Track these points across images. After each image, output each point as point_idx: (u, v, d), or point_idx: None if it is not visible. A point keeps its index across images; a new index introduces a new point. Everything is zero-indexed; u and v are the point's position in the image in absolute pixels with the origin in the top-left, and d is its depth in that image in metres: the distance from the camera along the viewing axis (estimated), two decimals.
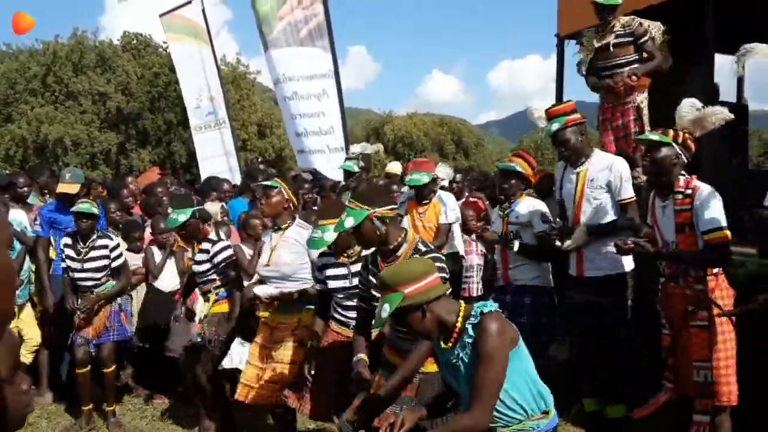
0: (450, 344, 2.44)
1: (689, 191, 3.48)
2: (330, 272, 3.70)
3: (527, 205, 4.63)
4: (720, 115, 3.54)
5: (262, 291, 4.04)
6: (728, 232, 3.38)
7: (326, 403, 3.69)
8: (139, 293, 5.80)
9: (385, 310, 2.38)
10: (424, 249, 3.04)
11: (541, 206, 4.64)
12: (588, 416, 4.28)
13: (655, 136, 3.54)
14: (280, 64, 9.54)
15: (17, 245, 5.33)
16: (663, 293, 3.70)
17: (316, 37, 9.09)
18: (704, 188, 3.46)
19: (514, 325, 2.44)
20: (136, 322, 5.63)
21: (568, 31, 6.71)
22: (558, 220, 4.37)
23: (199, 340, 4.60)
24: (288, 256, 4.02)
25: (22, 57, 32.50)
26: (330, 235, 3.44)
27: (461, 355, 2.40)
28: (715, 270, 3.47)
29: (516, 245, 4.43)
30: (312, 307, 3.99)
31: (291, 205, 4.16)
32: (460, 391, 2.51)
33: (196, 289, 4.82)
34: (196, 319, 4.72)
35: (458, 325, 2.40)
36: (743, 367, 3.45)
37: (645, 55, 5.04)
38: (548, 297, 4.53)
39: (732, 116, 3.58)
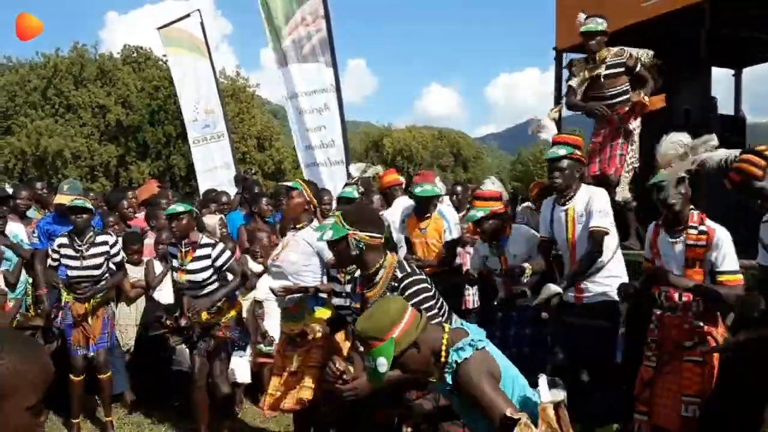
0: (438, 378, 2.39)
1: (704, 228, 3.51)
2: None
3: (519, 240, 4.57)
4: (711, 142, 3.55)
5: (278, 284, 4.05)
6: (742, 277, 3.45)
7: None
8: (139, 306, 5.79)
9: (382, 364, 2.26)
10: (401, 275, 3.03)
11: (531, 236, 4.60)
12: None
13: (668, 175, 3.53)
14: (290, 79, 9.68)
15: (14, 257, 5.33)
16: (659, 323, 3.70)
17: (318, 52, 9.20)
18: (720, 230, 3.51)
19: (496, 360, 2.37)
20: (135, 333, 5.62)
21: (566, 45, 6.76)
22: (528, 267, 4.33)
23: (210, 343, 4.62)
24: (294, 255, 4.04)
25: (22, 70, 32.65)
26: (329, 235, 3.45)
27: (450, 388, 2.36)
28: None
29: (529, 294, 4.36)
30: (318, 309, 4.00)
31: (312, 207, 4.17)
32: (466, 418, 2.49)
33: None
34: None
35: (442, 357, 2.34)
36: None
37: (640, 80, 5.15)
38: (534, 309, 4.46)
39: (716, 143, 3.56)
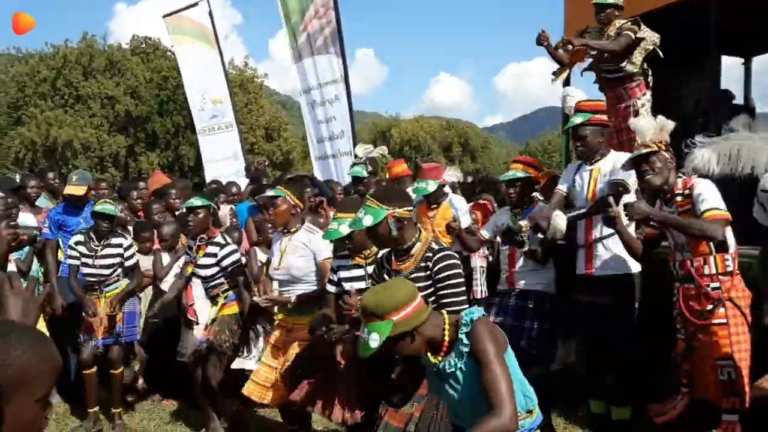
0: (440, 356, 2.39)
1: (688, 191, 3.54)
2: (344, 274, 3.75)
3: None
4: (669, 126, 3.64)
5: (259, 299, 4.19)
6: (727, 213, 3.42)
7: (341, 402, 3.72)
8: (147, 295, 5.83)
9: (374, 339, 2.27)
10: (436, 247, 3.02)
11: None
12: (594, 418, 4.28)
13: (644, 150, 3.59)
14: (305, 73, 9.74)
15: (25, 247, 5.37)
16: (678, 296, 3.70)
17: (329, 43, 9.24)
18: (698, 181, 3.53)
19: (502, 330, 2.41)
20: (142, 323, 5.67)
21: (575, 34, 6.71)
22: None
23: (205, 345, 4.63)
24: (298, 260, 4.08)
25: (32, 61, 32.77)
26: (345, 228, 3.46)
27: (459, 364, 2.35)
28: (730, 269, 3.49)
29: (527, 247, 4.40)
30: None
31: (298, 210, 4.19)
32: (454, 401, 2.48)
33: (194, 296, 4.85)
34: (202, 324, 4.75)
35: (446, 337, 2.36)
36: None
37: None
38: (550, 304, 4.50)
39: (673, 125, 3.65)
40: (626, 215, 3.68)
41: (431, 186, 5.29)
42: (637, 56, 4.97)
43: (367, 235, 3.15)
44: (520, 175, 4.61)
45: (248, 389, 4.18)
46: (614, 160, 4.11)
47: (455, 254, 3.08)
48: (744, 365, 3.42)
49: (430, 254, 2.99)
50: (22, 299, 1.57)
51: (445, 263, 2.95)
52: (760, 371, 3.40)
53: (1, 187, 5.52)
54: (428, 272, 2.98)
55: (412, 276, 2.99)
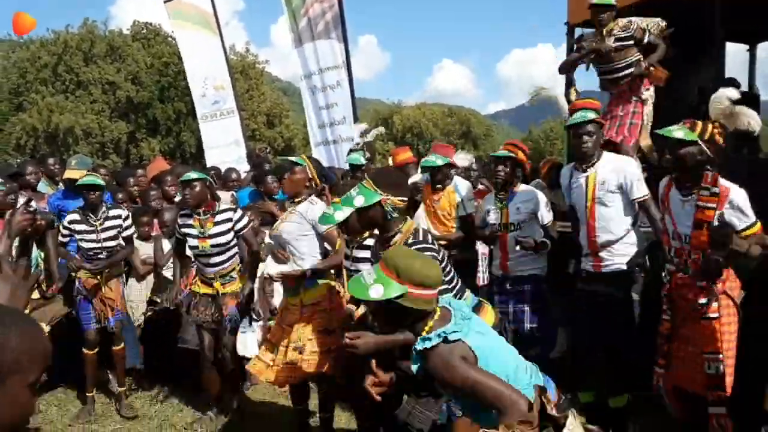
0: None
1: (716, 189, 3.39)
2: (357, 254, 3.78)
3: (527, 195, 4.63)
4: (753, 121, 3.45)
5: (275, 270, 4.13)
6: (760, 224, 3.39)
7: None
8: (149, 283, 5.83)
9: (376, 291, 2.20)
10: (411, 240, 2.99)
11: (541, 195, 4.66)
12: (585, 407, 4.29)
13: (679, 133, 3.40)
14: (305, 58, 9.70)
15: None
16: (671, 282, 3.68)
17: (331, 28, 9.19)
18: (734, 189, 3.40)
19: (468, 345, 2.21)
20: (145, 309, 5.68)
21: (579, 20, 6.67)
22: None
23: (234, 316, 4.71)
24: (290, 225, 4.13)
25: (33, 47, 32.66)
26: (340, 214, 3.46)
27: (417, 368, 2.30)
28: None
29: (521, 245, 4.46)
30: (318, 282, 4.06)
31: (313, 184, 4.23)
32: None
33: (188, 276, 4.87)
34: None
35: (424, 331, 2.26)
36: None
37: (652, 48, 5.07)
38: (546, 286, 4.60)
39: (759, 127, 3.49)
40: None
41: (439, 160, 5.29)
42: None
43: (355, 214, 3.12)
44: (511, 154, 4.62)
45: (253, 365, 4.22)
46: (616, 166, 4.06)
47: (431, 246, 3.01)
48: (730, 355, 3.42)
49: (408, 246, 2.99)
50: (11, 284, 1.56)
51: None
52: (746, 363, 3.42)
53: None
54: None
55: None
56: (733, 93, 3.46)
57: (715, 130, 3.40)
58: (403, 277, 2.21)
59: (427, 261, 2.35)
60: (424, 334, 2.23)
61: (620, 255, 4.06)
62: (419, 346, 2.21)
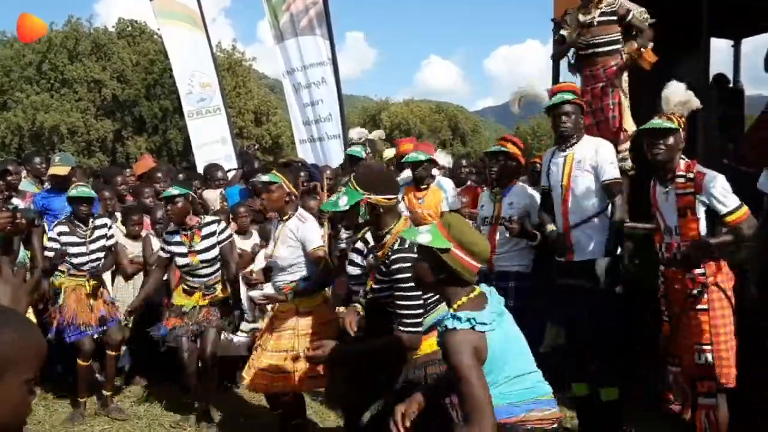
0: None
1: (691, 175, 3.50)
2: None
3: (522, 192, 4.65)
4: (696, 102, 3.65)
5: (257, 294, 4.21)
6: (746, 207, 3.41)
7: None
8: (136, 282, 5.80)
9: (425, 237, 2.35)
10: (396, 247, 2.96)
11: (536, 194, 4.66)
12: (578, 400, 4.31)
13: (667, 124, 3.53)
14: (287, 54, 9.62)
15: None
16: (664, 279, 3.70)
17: (315, 25, 9.12)
18: (709, 173, 3.48)
19: (486, 341, 2.26)
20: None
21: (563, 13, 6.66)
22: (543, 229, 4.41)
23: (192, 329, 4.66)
24: (285, 250, 4.05)
25: (17, 44, 32.30)
26: (343, 201, 3.44)
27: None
28: (716, 254, 3.48)
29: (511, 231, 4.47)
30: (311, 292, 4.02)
31: (293, 197, 4.15)
32: None
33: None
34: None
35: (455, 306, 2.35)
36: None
37: (633, 31, 5.03)
38: (529, 281, 4.59)
39: (699, 106, 3.68)
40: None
41: (422, 156, 5.35)
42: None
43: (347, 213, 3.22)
44: (507, 150, 4.65)
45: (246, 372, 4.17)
46: (592, 146, 4.12)
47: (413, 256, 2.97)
48: (729, 346, 3.45)
49: (389, 252, 2.98)
50: (12, 286, 1.55)
51: (395, 266, 2.92)
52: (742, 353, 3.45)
53: None
54: (385, 269, 2.97)
55: (381, 267, 3.01)
56: (682, 84, 3.70)
57: (681, 119, 3.58)
58: (453, 234, 2.34)
59: (479, 234, 2.54)
60: (455, 306, 2.32)
61: (590, 241, 4.08)
62: (448, 324, 2.27)
